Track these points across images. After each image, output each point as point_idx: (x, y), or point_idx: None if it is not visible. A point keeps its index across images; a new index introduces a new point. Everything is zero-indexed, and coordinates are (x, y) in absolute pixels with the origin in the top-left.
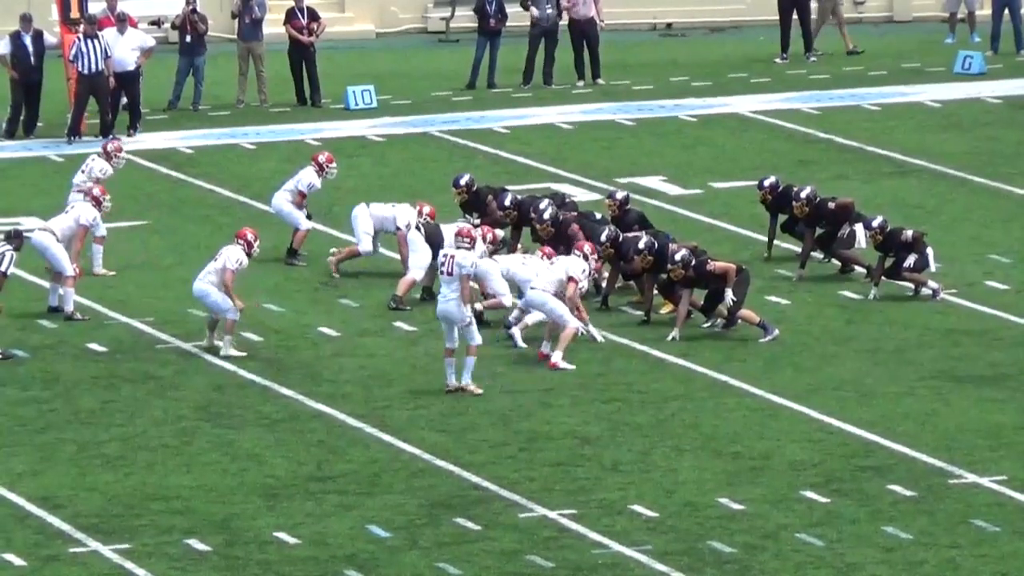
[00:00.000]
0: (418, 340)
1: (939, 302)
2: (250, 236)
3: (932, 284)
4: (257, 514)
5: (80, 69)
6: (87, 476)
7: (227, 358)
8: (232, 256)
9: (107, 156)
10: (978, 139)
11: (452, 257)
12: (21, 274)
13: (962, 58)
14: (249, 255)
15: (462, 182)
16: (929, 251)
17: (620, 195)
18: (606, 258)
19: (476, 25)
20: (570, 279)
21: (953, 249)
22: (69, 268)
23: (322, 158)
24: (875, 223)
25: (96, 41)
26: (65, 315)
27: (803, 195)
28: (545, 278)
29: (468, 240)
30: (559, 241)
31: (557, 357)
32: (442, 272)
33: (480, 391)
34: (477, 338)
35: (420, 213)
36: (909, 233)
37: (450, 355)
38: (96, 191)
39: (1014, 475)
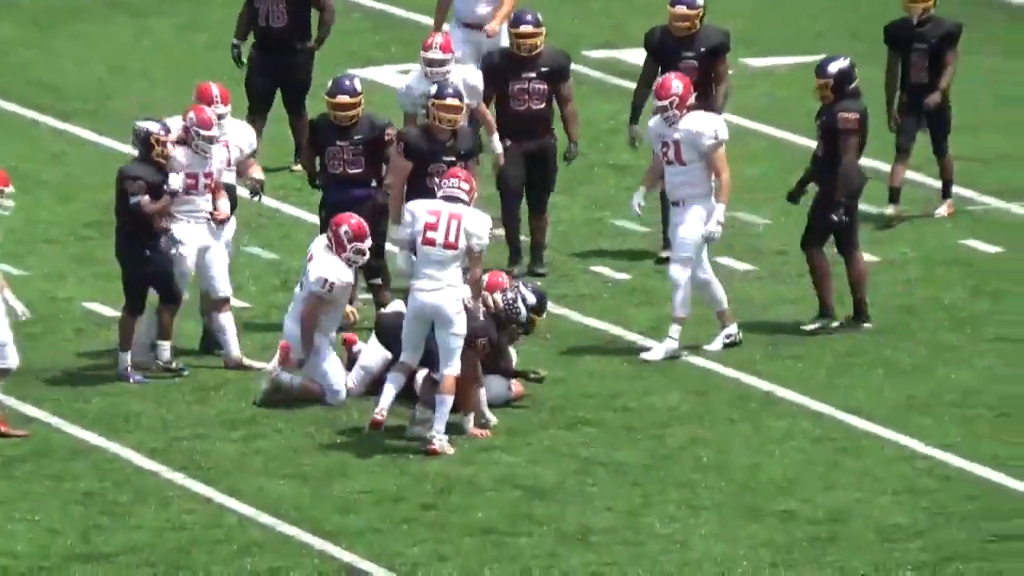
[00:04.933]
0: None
1: None
2: None
3: None
4: None
5: None
6: None
7: None
8: None
9: None
10: None
11: (459, 219)
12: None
13: None
14: None
15: None
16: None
17: None
18: None
19: None
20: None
21: None
22: None
23: None
24: None
25: None
26: None
27: None
28: None
29: (468, 192)
30: None
31: None
32: (429, 244)
33: (452, 451)
34: (456, 366)
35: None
36: None
37: (404, 372)
38: None
39: None
